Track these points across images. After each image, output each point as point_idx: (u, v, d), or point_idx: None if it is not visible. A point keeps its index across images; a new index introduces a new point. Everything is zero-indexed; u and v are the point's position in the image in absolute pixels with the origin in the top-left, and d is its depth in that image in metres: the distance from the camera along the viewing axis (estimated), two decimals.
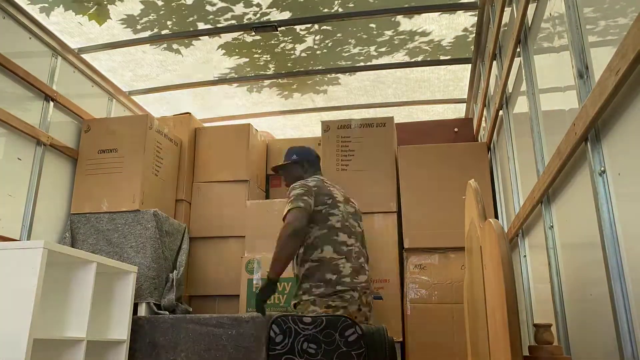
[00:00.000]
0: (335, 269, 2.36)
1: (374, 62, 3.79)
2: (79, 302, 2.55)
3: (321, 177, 2.72)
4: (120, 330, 2.83)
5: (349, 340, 1.54)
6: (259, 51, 3.68)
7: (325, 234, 2.44)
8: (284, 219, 2.44)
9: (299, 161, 2.79)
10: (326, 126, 3.38)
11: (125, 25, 3.35)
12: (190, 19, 3.32)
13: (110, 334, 2.82)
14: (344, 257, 2.41)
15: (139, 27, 3.37)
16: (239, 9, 3.21)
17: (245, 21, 3.32)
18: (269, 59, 3.77)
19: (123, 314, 2.85)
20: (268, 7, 3.21)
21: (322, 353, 1.50)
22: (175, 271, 3.24)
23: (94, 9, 3.15)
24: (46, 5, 3.07)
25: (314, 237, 2.44)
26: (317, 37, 3.52)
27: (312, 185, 2.55)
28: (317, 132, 3.83)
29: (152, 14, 3.26)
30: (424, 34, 3.47)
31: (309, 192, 2.50)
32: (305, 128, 4.81)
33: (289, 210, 2.42)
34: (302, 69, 3.89)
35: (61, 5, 3.09)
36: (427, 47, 3.62)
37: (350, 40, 3.54)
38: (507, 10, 2.46)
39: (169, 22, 3.35)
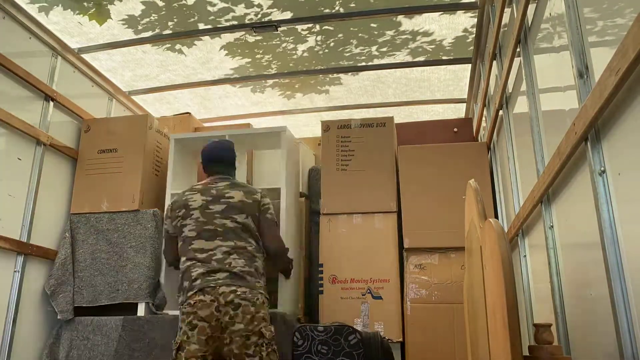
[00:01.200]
0: (189, 275, 2.37)
1: (375, 62, 3.80)
2: None
3: (191, 188, 2.62)
4: None
5: (351, 343, 1.93)
6: (261, 51, 3.68)
7: (182, 245, 2.48)
8: None
9: (202, 161, 2.74)
10: (326, 126, 3.38)
11: (125, 26, 3.35)
12: (192, 19, 3.32)
13: None
14: (198, 262, 2.38)
15: (139, 27, 3.38)
16: (240, 9, 3.21)
17: (246, 21, 3.32)
18: (270, 59, 3.77)
19: None
20: (269, 8, 3.21)
21: (331, 353, 1.94)
22: None
23: (94, 9, 3.15)
24: (45, 4, 3.07)
25: (179, 250, 2.51)
26: (319, 38, 3.52)
27: (169, 206, 2.65)
28: (317, 132, 3.83)
29: (152, 14, 3.26)
30: (424, 34, 3.48)
31: (165, 216, 2.67)
32: (305, 128, 4.81)
33: None
34: (303, 69, 3.89)
35: (60, 5, 3.09)
36: (427, 47, 3.63)
37: (351, 40, 3.55)
38: (507, 10, 2.46)
39: (170, 23, 3.35)
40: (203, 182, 2.64)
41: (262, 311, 2.30)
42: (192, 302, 2.27)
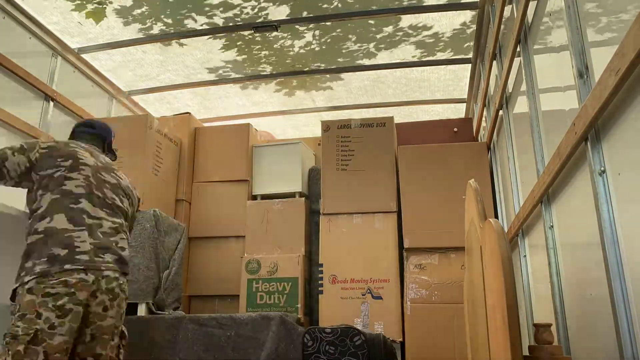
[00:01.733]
0: (68, 241, 1.88)
1: (374, 59, 3.80)
2: None
3: (76, 142, 2.21)
4: None
5: (356, 344, 2.08)
6: (258, 47, 3.67)
7: (57, 199, 1.96)
8: None
9: (72, 132, 2.36)
10: (326, 126, 3.38)
11: (125, 25, 3.35)
12: (191, 17, 3.31)
13: None
14: (84, 229, 1.93)
15: (139, 26, 3.38)
16: (236, 2, 3.19)
17: (243, 15, 3.31)
18: (267, 54, 3.76)
19: None
20: (265, 1, 3.19)
21: (338, 353, 2.08)
22: (166, 271, 3.23)
23: (91, 7, 3.15)
24: (44, 2, 3.07)
25: (41, 204, 1.96)
26: (316, 33, 3.51)
27: (41, 146, 2.07)
28: (317, 132, 3.83)
29: (152, 14, 3.26)
30: (424, 33, 3.47)
31: (34, 150, 2.03)
32: (305, 128, 4.81)
33: None
34: (301, 67, 3.89)
35: (56, 1, 3.08)
36: (427, 46, 3.63)
37: (349, 37, 3.54)
38: (507, 10, 2.46)
39: (169, 22, 3.35)
40: (76, 142, 2.20)
41: (125, 307, 2.03)
42: (71, 281, 1.81)
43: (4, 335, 1.77)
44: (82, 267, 1.86)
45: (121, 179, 2.25)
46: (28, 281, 1.81)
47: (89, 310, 1.86)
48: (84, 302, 1.84)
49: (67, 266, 1.84)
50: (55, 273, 1.82)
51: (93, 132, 2.33)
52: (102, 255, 1.94)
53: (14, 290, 1.87)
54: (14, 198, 2.81)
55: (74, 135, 2.33)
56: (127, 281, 2.06)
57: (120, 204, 2.16)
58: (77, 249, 1.88)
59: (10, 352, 1.72)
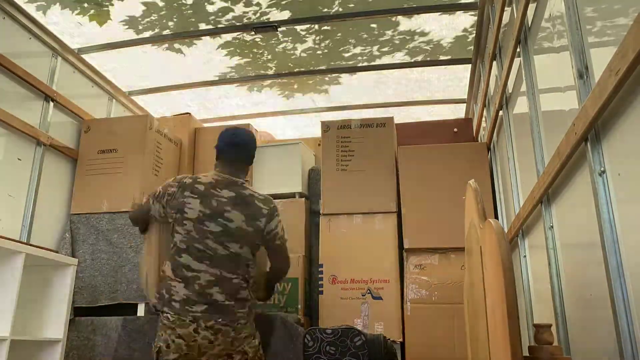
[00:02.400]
0: (168, 289, 2.18)
1: (375, 62, 3.80)
2: (3, 298, 2.36)
3: (199, 183, 2.30)
4: (55, 328, 2.68)
5: (356, 344, 2.11)
6: (260, 51, 3.68)
7: (170, 248, 2.27)
8: None
9: (217, 145, 2.44)
10: (326, 126, 3.38)
11: (125, 26, 3.35)
12: (191, 19, 3.32)
13: (43, 333, 2.68)
14: (181, 282, 2.17)
15: (139, 27, 3.38)
16: (239, 8, 3.21)
17: (245, 21, 3.33)
18: (269, 58, 3.77)
19: (59, 310, 2.71)
20: (268, 7, 3.21)
21: (338, 353, 2.12)
22: None
23: (93, 10, 3.16)
24: (43, 3, 3.07)
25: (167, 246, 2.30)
26: (318, 37, 3.52)
27: (166, 194, 2.30)
28: (317, 132, 3.82)
29: (152, 14, 3.26)
30: (424, 34, 3.48)
31: (156, 198, 2.34)
32: (305, 128, 4.81)
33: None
34: (302, 69, 3.89)
35: (58, 3, 3.08)
36: (427, 47, 3.63)
37: (351, 40, 3.55)
38: (507, 10, 2.46)
39: (169, 23, 3.35)
40: (206, 180, 2.31)
41: (245, 331, 2.19)
42: (169, 318, 2.13)
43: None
44: (174, 314, 2.13)
45: (230, 222, 2.24)
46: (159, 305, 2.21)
47: (199, 344, 2.10)
48: (188, 336, 2.09)
49: (165, 308, 2.15)
50: (163, 310, 2.15)
51: (236, 156, 2.38)
52: (191, 308, 2.13)
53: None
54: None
55: (219, 157, 2.40)
56: (232, 320, 2.17)
57: (222, 253, 2.21)
58: (173, 298, 2.15)
59: None
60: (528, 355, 1.46)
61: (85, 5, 3.12)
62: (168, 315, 2.13)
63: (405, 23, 3.36)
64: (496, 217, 2.94)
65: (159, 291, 2.22)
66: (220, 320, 2.13)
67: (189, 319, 2.11)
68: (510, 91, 2.54)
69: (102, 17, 3.22)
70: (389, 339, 2.40)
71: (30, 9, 3.06)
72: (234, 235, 2.24)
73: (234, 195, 2.29)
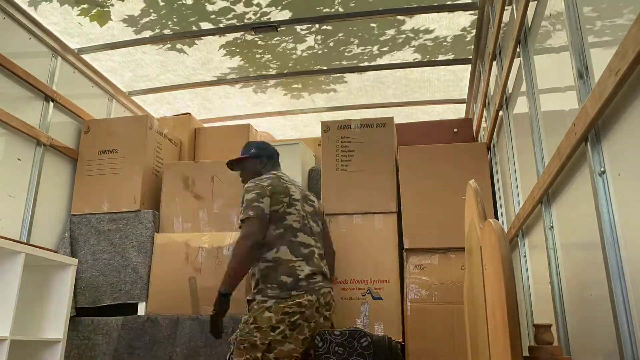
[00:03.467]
0: (292, 271, 2.28)
1: (376, 62, 3.80)
2: (3, 298, 2.36)
3: (279, 173, 2.56)
4: (55, 328, 2.69)
5: (363, 345, 2.28)
6: (260, 51, 3.68)
7: (281, 233, 2.33)
8: (240, 227, 2.34)
9: (258, 155, 2.62)
10: (326, 127, 3.38)
11: (125, 26, 3.35)
12: (191, 19, 3.32)
13: (43, 333, 2.69)
14: (302, 259, 2.32)
15: (139, 27, 3.38)
16: (239, 8, 3.21)
17: (245, 20, 3.33)
18: (270, 58, 3.77)
19: (59, 311, 2.72)
20: (267, 6, 3.21)
21: (346, 354, 2.26)
22: None
23: (95, 10, 3.15)
24: (44, 4, 3.07)
25: (270, 237, 2.32)
26: (318, 37, 3.52)
27: (267, 185, 2.39)
28: (317, 132, 3.83)
29: (152, 14, 3.26)
30: (424, 34, 3.48)
31: (262, 194, 2.34)
32: (305, 129, 4.81)
33: (243, 221, 2.31)
34: (303, 69, 3.89)
35: (59, 4, 3.08)
36: (427, 47, 3.63)
37: (352, 40, 3.55)
38: (507, 10, 2.46)
39: (169, 22, 3.35)
40: (279, 174, 2.55)
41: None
42: (301, 302, 2.22)
43: (233, 342, 2.22)
44: (303, 292, 2.25)
45: (314, 202, 2.59)
46: (262, 300, 2.23)
47: (316, 322, 2.27)
48: (311, 317, 2.25)
49: (294, 292, 2.23)
50: (286, 297, 2.22)
51: (278, 159, 2.68)
52: (314, 278, 2.31)
53: (249, 301, 2.32)
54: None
55: (272, 163, 2.63)
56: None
57: (317, 229, 2.51)
58: (299, 277, 2.27)
59: (248, 357, 2.15)
60: (528, 355, 1.46)
61: (86, 5, 3.12)
62: (298, 300, 2.22)
63: (406, 23, 3.36)
64: (496, 217, 2.94)
65: (275, 280, 2.26)
66: (330, 289, 2.40)
67: (316, 292, 2.28)
68: (510, 91, 2.54)
69: (103, 17, 3.22)
70: (393, 340, 2.45)
71: (31, 9, 3.06)
72: (318, 214, 2.58)
73: (299, 184, 2.69)
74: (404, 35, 3.50)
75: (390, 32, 3.46)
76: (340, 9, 3.24)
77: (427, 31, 3.44)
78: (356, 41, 3.56)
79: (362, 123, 3.35)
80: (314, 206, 2.57)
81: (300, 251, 2.34)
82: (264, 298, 2.24)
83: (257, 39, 3.52)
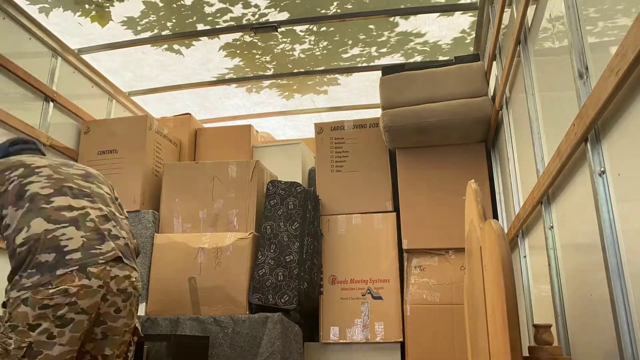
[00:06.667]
0: (54, 243, 1.66)
1: (374, 62, 3.80)
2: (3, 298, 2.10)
3: (20, 156, 1.93)
4: None
5: (297, 191, 3.16)
6: (259, 52, 3.69)
7: (28, 208, 1.73)
8: None
9: None
10: (319, 128, 3.39)
11: (125, 26, 3.35)
12: (190, 20, 3.32)
13: None
14: (67, 224, 1.71)
15: (139, 27, 3.38)
16: (237, 9, 3.21)
17: (244, 22, 3.33)
18: (268, 59, 3.77)
19: None
20: (266, 8, 3.21)
21: (286, 194, 3.02)
22: None
23: (95, 11, 3.16)
24: (46, 5, 3.07)
25: (12, 221, 1.73)
26: (316, 38, 3.52)
27: None
28: None
29: (152, 15, 3.26)
30: (422, 35, 3.48)
31: None
32: (305, 129, 4.82)
33: None
34: (301, 70, 3.90)
35: (61, 7, 3.09)
36: (426, 48, 3.63)
37: (349, 42, 3.55)
38: (507, 10, 2.46)
39: (168, 23, 3.35)
40: (19, 157, 1.92)
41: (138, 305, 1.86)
42: (68, 289, 1.59)
43: None
44: (76, 267, 1.63)
45: (87, 167, 2.02)
46: (17, 296, 1.61)
47: (101, 312, 1.69)
48: (93, 308, 1.65)
49: (58, 271, 1.61)
50: (46, 283, 1.59)
51: (30, 146, 2.07)
52: (99, 246, 1.71)
53: (3, 304, 1.69)
54: None
55: (14, 153, 2.00)
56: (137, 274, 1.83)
57: (100, 190, 1.92)
58: (66, 248, 1.65)
59: None
60: (528, 355, 1.46)
61: (87, 6, 3.12)
62: (63, 287, 1.61)
63: (404, 24, 3.36)
64: (496, 217, 2.93)
65: (32, 264, 1.66)
66: (133, 274, 1.83)
67: (96, 281, 1.68)
68: (510, 91, 2.54)
69: (103, 18, 3.22)
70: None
71: (31, 9, 3.06)
72: (99, 179, 2.04)
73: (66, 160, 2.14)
74: (401, 37, 3.50)
75: (388, 33, 3.46)
76: (338, 10, 3.24)
77: (427, 33, 3.44)
78: (354, 42, 3.56)
79: (355, 124, 3.36)
80: (87, 171, 1.98)
81: (63, 216, 1.72)
82: (18, 293, 1.61)
83: (257, 40, 3.52)
